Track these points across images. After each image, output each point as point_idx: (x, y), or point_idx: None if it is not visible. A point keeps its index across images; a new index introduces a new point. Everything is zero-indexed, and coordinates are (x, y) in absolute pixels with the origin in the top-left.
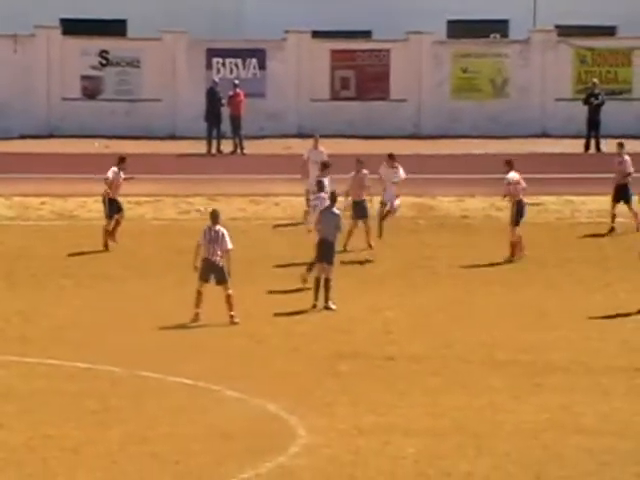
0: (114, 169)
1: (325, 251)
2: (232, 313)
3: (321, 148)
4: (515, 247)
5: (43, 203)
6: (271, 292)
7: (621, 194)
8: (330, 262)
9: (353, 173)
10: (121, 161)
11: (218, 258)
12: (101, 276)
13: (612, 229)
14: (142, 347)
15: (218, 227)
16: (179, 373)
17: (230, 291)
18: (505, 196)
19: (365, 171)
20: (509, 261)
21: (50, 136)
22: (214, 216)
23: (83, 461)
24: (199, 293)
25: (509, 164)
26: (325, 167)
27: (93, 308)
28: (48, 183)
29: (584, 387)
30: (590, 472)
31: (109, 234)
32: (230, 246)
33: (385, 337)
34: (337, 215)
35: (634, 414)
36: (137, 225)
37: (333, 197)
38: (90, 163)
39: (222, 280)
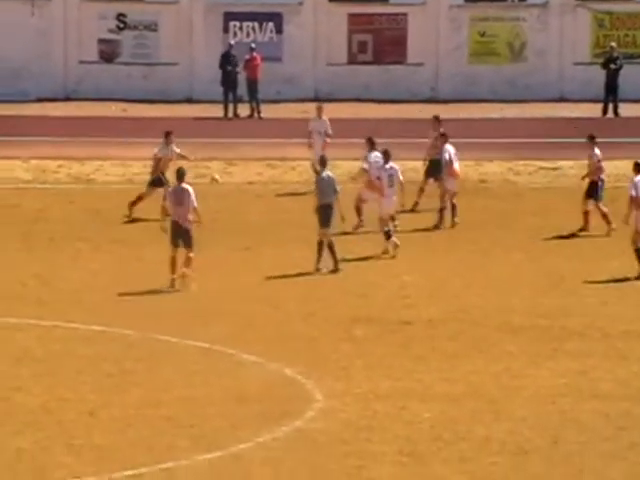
0: (162, 145)
1: (324, 215)
2: (186, 270)
3: (324, 117)
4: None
5: (60, 166)
6: (288, 256)
7: None
8: (327, 226)
9: (431, 132)
10: (167, 135)
11: (185, 221)
12: (118, 240)
13: None
14: (158, 311)
15: (184, 186)
16: (195, 337)
17: (192, 254)
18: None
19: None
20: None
21: (67, 99)
22: (180, 174)
23: (99, 424)
24: (173, 259)
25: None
26: (323, 164)
27: (110, 272)
28: (65, 146)
29: (601, 352)
30: (607, 437)
31: (131, 203)
32: (195, 204)
33: (402, 301)
34: (332, 179)
35: None
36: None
37: (323, 161)
38: (107, 127)
39: (188, 244)
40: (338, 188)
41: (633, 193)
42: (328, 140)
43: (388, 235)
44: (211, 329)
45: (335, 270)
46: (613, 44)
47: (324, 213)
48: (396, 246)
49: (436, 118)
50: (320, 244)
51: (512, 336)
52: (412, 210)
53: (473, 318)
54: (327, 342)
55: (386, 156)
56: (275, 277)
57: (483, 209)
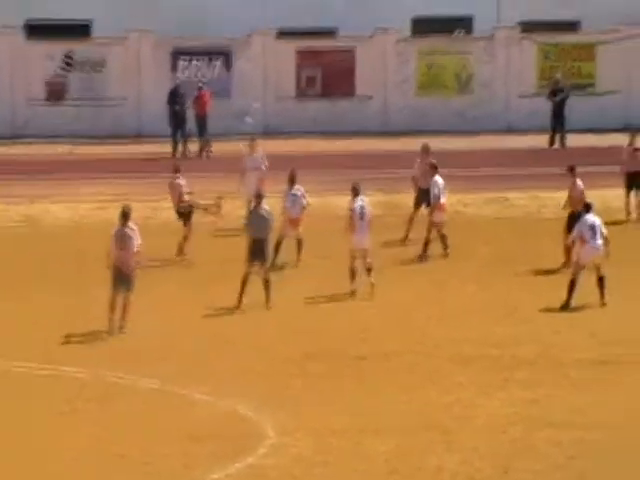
0: (176, 180)
1: (257, 251)
2: (124, 321)
3: (259, 152)
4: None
5: (8, 206)
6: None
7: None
8: (263, 261)
9: (419, 160)
10: (177, 171)
11: (128, 267)
12: (67, 280)
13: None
14: (108, 350)
15: (127, 229)
16: (146, 375)
17: (131, 298)
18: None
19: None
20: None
21: (14, 139)
22: (124, 215)
23: (51, 462)
24: (112, 303)
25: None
26: (259, 199)
27: (58, 312)
28: (13, 186)
29: (553, 381)
30: (559, 465)
31: (179, 248)
32: (138, 248)
33: (356, 335)
34: (267, 214)
35: (602, 407)
36: (105, 228)
37: (259, 196)
38: (55, 166)
39: (129, 288)
40: (272, 223)
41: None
42: (264, 172)
43: (353, 274)
44: (162, 367)
45: (267, 307)
46: (558, 75)
47: (256, 248)
48: (372, 285)
49: (425, 148)
50: (245, 278)
51: (464, 366)
52: (402, 242)
53: (427, 350)
54: (280, 378)
55: (354, 191)
56: (225, 313)
57: (435, 241)
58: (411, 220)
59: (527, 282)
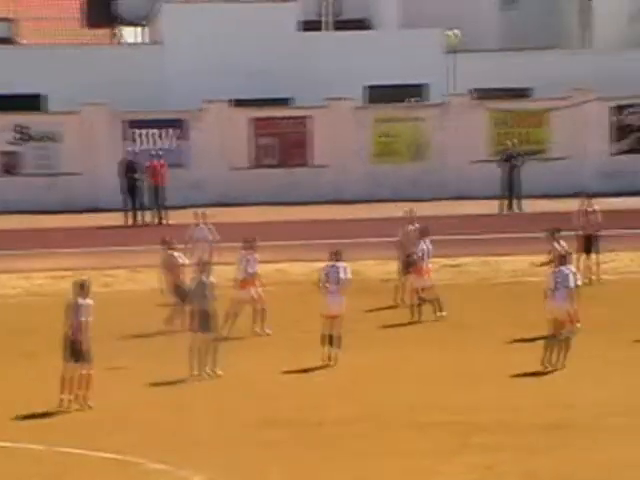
0: (170, 254)
1: (201, 321)
2: (87, 394)
3: (206, 226)
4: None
5: None
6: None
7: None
8: (207, 331)
9: (405, 226)
10: (166, 243)
11: (83, 339)
12: (20, 353)
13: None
14: (62, 423)
15: (81, 301)
16: (101, 448)
17: (91, 371)
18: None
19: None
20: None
21: None
22: (81, 287)
23: None
24: (63, 377)
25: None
26: (204, 269)
27: (12, 385)
28: None
29: (509, 446)
30: None
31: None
32: (90, 318)
33: (312, 402)
34: (210, 285)
35: (558, 471)
36: (59, 300)
37: (204, 266)
38: (10, 239)
39: (85, 360)
40: (215, 294)
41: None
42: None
43: (330, 340)
44: (118, 438)
45: (215, 375)
46: (514, 141)
47: (200, 319)
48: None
49: (410, 213)
50: (193, 350)
51: (420, 433)
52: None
53: (384, 416)
54: (236, 446)
55: (337, 255)
56: (181, 382)
57: (388, 307)
58: (398, 287)
59: (480, 347)
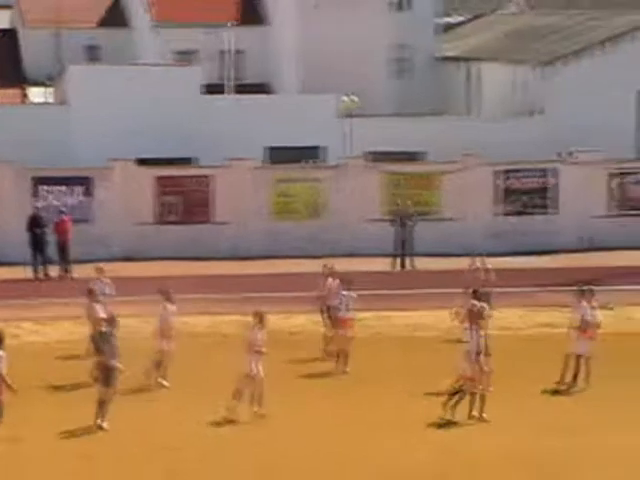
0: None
1: (107, 375)
2: None
3: (106, 280)
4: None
5: None
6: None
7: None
8: (107, 385)
9: (326, 280)
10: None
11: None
12: None
13: None
14: None
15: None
16: None
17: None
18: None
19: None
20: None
21: None
22: None
23: None
24: None
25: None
26: (112, 322)
27: None
28: None
29: None
30: None
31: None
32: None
33: (215, 453)
34: (114, 338)
35: None
36: None
37: (112, 320)
38: None
39: None
40: (118, 347)
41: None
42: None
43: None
44: None
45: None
46: (408, 202)
47: (106, 373)
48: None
49: (329, 268)
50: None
51: None
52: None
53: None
54: None
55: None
56: (90, 432)
57: (292, 361)
58: (327, 339)
59: (379, 400)
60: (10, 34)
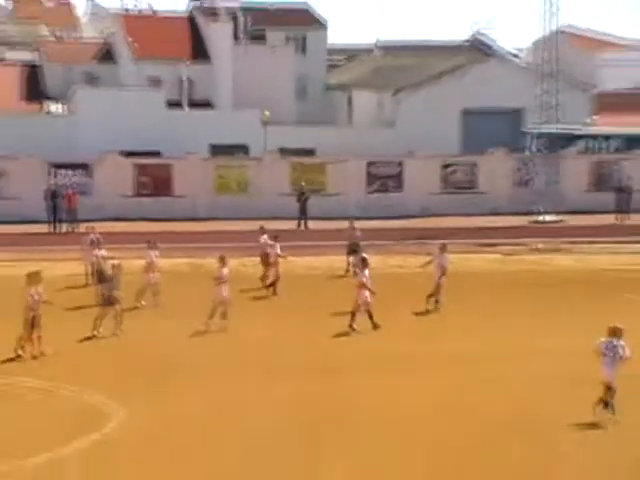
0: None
1: (104, 300)
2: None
3: (97, 234)
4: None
5: None
6: None
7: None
8: (105, 307)
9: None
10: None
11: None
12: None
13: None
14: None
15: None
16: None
17: (41, 334)
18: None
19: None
20: None
21: None
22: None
23: None
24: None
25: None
26: (118, 267)
27: None
28: None
29: None
30: None
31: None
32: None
33: (193, 353)
34: (117, 277)
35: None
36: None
37: (119, 266)
38: None
39: (38, 326)
40: (120, 282)
41: None
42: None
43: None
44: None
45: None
46: (303, 183)
47: (103, 299)
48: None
49: (262, 227)
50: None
51: None
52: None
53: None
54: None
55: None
56: (97, 338)
57: (239, 290)
58: (263, 275)
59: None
60: (35, 68)
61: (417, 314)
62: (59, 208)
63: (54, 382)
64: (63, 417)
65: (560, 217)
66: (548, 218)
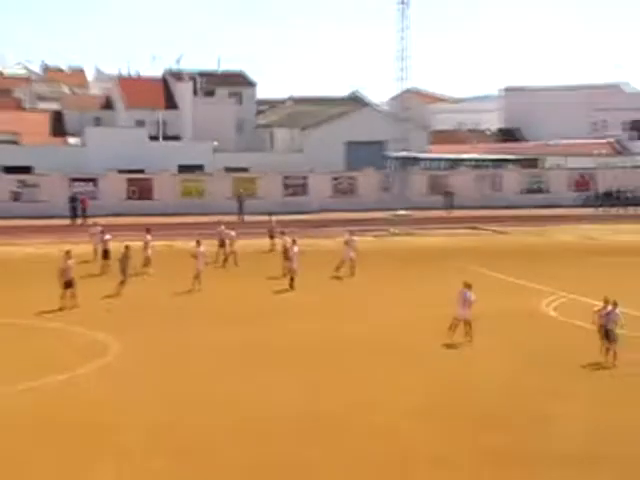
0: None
1: (122, 267)
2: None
3: (99, 226)
4: None
5: None
6: None
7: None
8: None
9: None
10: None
11: (72, 275)
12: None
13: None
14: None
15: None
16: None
17: (75, 292)
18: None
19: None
20: None
21: None
22: (67, 253)
23: None
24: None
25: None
26: (128, 249)
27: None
28: None
29: None
30: None
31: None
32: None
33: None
34: (128, 256)
35: None
36: (51, 257)
37: (127, 249)
38: (11, 232)
39: (72, 287)
40: (131, 258)
41: None
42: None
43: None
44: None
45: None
46: (241, 190)
47: (124, 270)
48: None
49: (220, 221)
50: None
51: None
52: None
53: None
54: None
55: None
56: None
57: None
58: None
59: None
60: (59, 114)
61: (331, 278)
62: (76, 208)
63: (72, 325)
64: (76, 348)
65: (409, 212)
66: (402, 213)
